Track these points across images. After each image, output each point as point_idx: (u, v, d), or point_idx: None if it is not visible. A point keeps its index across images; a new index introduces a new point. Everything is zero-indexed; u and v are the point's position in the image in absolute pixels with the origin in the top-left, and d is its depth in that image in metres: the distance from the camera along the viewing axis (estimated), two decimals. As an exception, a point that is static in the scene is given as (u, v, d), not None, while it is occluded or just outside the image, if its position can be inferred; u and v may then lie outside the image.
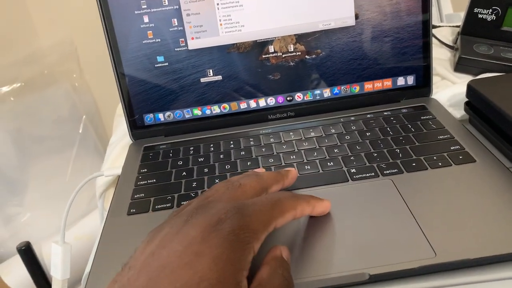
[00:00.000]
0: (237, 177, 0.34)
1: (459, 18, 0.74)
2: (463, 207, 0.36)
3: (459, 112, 0.51)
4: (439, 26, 0.72)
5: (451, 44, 0.66)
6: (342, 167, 0.44)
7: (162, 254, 0.26)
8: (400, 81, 0.55)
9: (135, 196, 0.44)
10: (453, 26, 0.71)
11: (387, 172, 0.42)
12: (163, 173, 0.47)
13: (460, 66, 0.59)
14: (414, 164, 0.43)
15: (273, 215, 0.30)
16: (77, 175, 1.05)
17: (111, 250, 0.38)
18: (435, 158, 0.43)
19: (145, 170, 0.48)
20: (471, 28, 0.62)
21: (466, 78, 0.57)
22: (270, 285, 0.27)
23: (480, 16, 0.61)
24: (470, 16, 0.61)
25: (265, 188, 0.34)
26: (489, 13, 0.60)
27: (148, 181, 0.46)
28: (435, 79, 0.55)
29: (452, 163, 0.42)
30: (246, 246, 0.27)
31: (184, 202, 0.42)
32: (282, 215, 0.30)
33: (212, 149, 0.50)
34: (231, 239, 0.26)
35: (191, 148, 0.50)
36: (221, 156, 0.48)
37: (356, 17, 0.52)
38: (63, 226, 0.49)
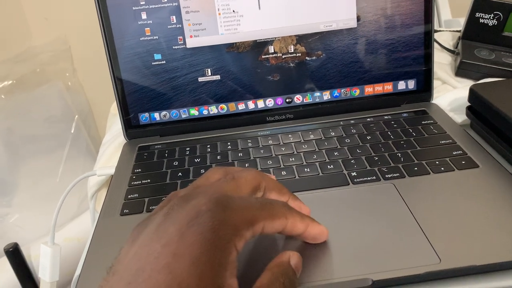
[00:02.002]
0: (236, 168, 0.32)
1: (458, 24, 0.74)
2: (467, 213, 0.35)
3: (460, 117, 0.51)
4: (440, 31, 0.72)
5: (452, 48, 0.65)
6: (342, 170, 0.43)
7: (142, 255, 0.24)
8: (401, 85, 0.54)
9: (129, 196, 0.43)
10: (454, 31, 0.71)
11: (389, 176, 0.41)
12: (158, 174, 0.46)
13: (461, 71, 0.58)
14: (416, 168, 0.42)
15: (261, 215, 0.27)
16: (68, 176, 1.03)
17: (103, 251, 0.36)
18: (437, 163, 0.42)
19: (140, 170, 0.47)
20: (472, 32, 0.62)
21: (467, 83, 0.57)
22: None
23: (481, 20, 0.60)
24: (472, 21, 0.61)
25: (261, 188, 0.31)
26: (491, 18, 0.59)
27: (143, 181, 0.45)
28: (435, 84, 0.54)
29: (454, 168, 0.41)
30: (226, 244, 0.25)
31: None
32: (271, 219, 0.28)
33: (209, 150, 0.49)
34: (209, 236, 0.24)
35: (187, 149, 0.49)
36: (218, 157, 0.47)
37: (358, 19, 0.51)
38: (53, 227, 0.48)
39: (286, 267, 0.28)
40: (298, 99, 0.53)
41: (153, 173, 0.46)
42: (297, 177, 0.43)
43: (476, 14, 0.60)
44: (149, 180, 0.45)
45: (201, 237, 0.24)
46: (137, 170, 0.47)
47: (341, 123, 0.52)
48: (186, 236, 0.24)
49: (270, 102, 0.53)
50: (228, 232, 0.25)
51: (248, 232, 0.26)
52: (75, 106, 1.08)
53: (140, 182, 0.44)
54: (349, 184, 0.41)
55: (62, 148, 1.04)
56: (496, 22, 0.59)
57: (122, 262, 0.25)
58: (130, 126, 0.53)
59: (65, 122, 1.05)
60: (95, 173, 0.49)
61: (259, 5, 0.50)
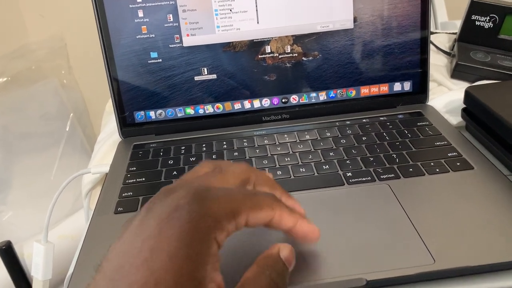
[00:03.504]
0: (226, 162, 0.31)
1: (454, 26, 0.74)
2: (462, 214, 0.36)
3: (455, 119, 0.51)
4: (436, 33, 0.72)
5: (447, 50, 0.66)
6: (337, 171, 0.43)
7: (125, 251, 0.23)
8: (397, 86, 0.54)
9: (123, 194, 0.42)
10: (450, 33, 0.71)
11: (384, 176, 0.41)
12: (153, 172, 0.45)
13: (456, 73, 0.59)
14: (411, 169, 0.42)
15: (244, 205, 0.26)
16: (63, 174, 1.02)
17: (96, 250, 0.36)
18: (432, 164, 0.42)
19: (134, 168, 0.46)
20: (468, 35, 0.62)
21: (463, 85, 0.57)
22: (253, 287, 0.25)
23: (477, 23, 0.61)
24: (468, 23, 0.61)
25: (251, 182, 0.30)
26: (487, 20, 0.60)
27: (137, 179, 0.44)
28: (431, 85, 0.55)
29: (449, 169, 0.41)
30: (206, 237, 0.24)
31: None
32: (255, 210, 0.26)
33: (204, 149, 0.49)
34: (188, 229, 0.23)
35: (183, 148, 0.49)
36: (214, 157, 0.47)
37: (355, 20, 0.51)
38: (46, 225, 0.47)
39: (275, 260, 0.27)
40: (294, 99, 0.53)
41: (148, 171, 0.46)
42: (292, 176, 0.43)
43: (472, 16, 0.61)
44: (143, 179, 0.44)
45: (179, 231, 0.23)
46: (132, 169, 0.46)
47: (337, 123, 0.52)
48: (164, 230, 0.23)
49: (266, 102, 0.53)
50: (208, 224, 0.24)
51: (230, 224, 0.25)
52: (71, 103, 1.07)
53: (134, 180, 0.44)
54: (344, 184, 0.41)
55: (57, 146, 1.03)
56: (492, 24, 0.60)
57: (108, 259, 0.24)
58: (125, 124, 0.52)
59: (60, 120, 1.05)
60: (90, 171, 0.48)
61: (256, 4, 0.50)
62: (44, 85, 1.03)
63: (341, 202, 0.39)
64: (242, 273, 0.26)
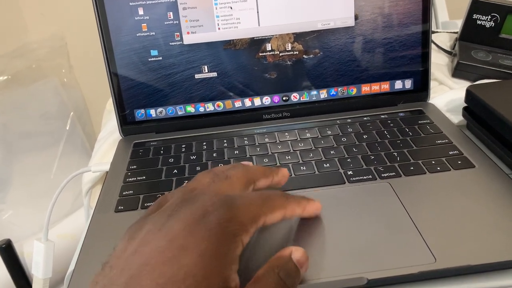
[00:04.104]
0: (223, 168, 0.33)
1: (455, 26, 0.74)
2: (463, 212, 0.35)
3: (456, 117, 0.51)
4: (437, 32, 0.72)
5: (449, 49, 0.65)
6: (338, 169, 0.43)
7: (145, 251, 0.25)
8: (398, 84, 0.54)
9: (124, 193, 0.42)
10: (451, 32, 0.71)
11: (385, 175, 0.41)
12: (154, 170, 0.45)
13: (458, 72, 0.58)
14: (412, 168, 0.42)
15: (262, 210, 0.29)
16: (63, 173, 1.02)
17: (97, 248, 0.36)
18: (433, 162, 0.42)
19: (135, 166, 0.46)
20: (470, 34, 0.62)
21: (464, 84, 0.57)
22: (262, 284, 0.26)
23: (478, 22, 0.60)
24: (469, 22, 0.61)
25: (252, 181, 0.33)
26: (488, 19, 0.60)
27: (138, 178, 0.44)
28: (432, 84, 0.54)
29: (450, 168, 0.41)
30: (234, 239, 0.26)
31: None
32: (271, 212, 0.29)
33: (205, 147, 0.48)
34: (217, 231, 0.25)
35: (183, 146, 0.49)
36: (214, 155, 0.47)
37: (356, 18, 0.51)
38: (46, 223, 0.47)
39: (286, 260, 0.28)
40: (295, 97, 0.53)
41: (148, 170, 0.45)
42: (293, 175, 0.43)
43: (473, 15, 0.61)
44: (144, 177, 0.44)
45: (209, 233, 0.25)
46: (132, 167, 0.46)
47: (338, 121, 0.52)
48: (193, 233, 0.25)
49: (267, 100, 0.53)
50: (235, 227, 0.26)
51: (253, 227, 0.28)
52: (71, 102, 1.07)
53: (135, 178, 0.44)
54: (345, 182, 0.41)
55: (57, 145, 1.03)
56: (493, 24, 0.60)
57: (121, 257, 0.25)
58: (126, 122, 0.52)
59: (61, 119, 1.05)
60: (90, 169, 0.48)
61: (257, 2, 0.50)
62: (44, 84, 1.03)
63: (342, 200, 0.38)
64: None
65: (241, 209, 0.27)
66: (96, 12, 0.48)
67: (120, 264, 0.24)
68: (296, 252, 0.29)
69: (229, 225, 0.26)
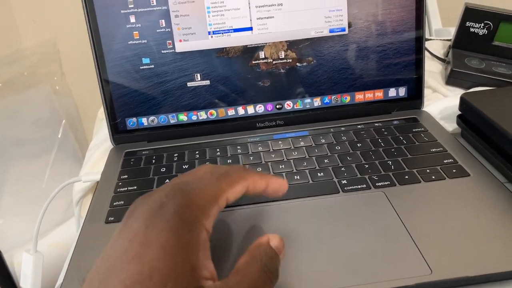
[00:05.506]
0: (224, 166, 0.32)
1: (448, 33, 0.74)
2: (459, 222, 0.35)
3: (450, 125, 0.51)
4: (430, 39, 0.72)
5: (442, 57, 0.65)
6: (332, 178, 0.42)
7: (110, 254, 0.24)
8: (392, 92, 0.54)
9: (114, 203, 0.41)
10: (444, 40, 0.71)
11: (379, 184, 0.41)
12: (145, 180, 0.45)
13: (451, 79, 0.58)
14: (406, 176, 0.41)
15: (221, 188, 0.27)
16: (55, 181, 1.01)
17: (87, 259, 0.35)
18: (428, 171, 0.42)
19: (126, 176, 0.46)
20: (463, 41, 0.62)
21: (458, 91, 0.57)
22: (246, 273, 0.25)
23: (472, 30, 0.60)
24: (462, 30, 0.61)
25: (240, 182, 0.30)
26: (481, 27, 0.60)
27: (129, 188, 0.44)
28: (426, 92, 0.54)
29: (445, 176, 0.41)
30: (194, 225, 0.25)
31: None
32: (231, 187, 0.28)
33: (198, 156, 0.48)
34: (175, 221, 0.24)
35: (175, 155, 0.48)
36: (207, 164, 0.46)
37: (349, 25, 0.51)
38: (35, 234, 0.46)
39: (266, 247, 0.28)
40: (288, 105, 0.53)
41: (140, 179, 0.45)
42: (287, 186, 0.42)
43: (467, 23, 0.61)
44: (135, 187, 0.44)
45: (167, 224, 0.24)
46: (124, 177, 0.46)
47: (332, 130, 0.51)
48: (152, 227, 0.24)
49: (260, 108, 0.53)
50: (194, 213, 0.25)
51: (214, 208, 0.26)
52: (63, 110, 1.06)
53: (126, 189, 0.43)
54: (339, 192, 0.40)
55: (49, 152, 1.02)
56: (486, 31, 0.60)
57: (92, 268, 0.25)
58: (117, 131, 0.51)
59: (53, 126, 1.04)
60: (80, 179, 0.47)
61: (250, 10, 0.49)
62: (36, 91, 1.02)
63: (336, 210, 0.38)
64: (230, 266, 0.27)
65: (197, 193, 0.26)
66: (87, 20, 0.48)
67: (91, 273, 0.24)
68: (273, 239, 0.28)
69: (186, 211, 0.25)
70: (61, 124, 1.05)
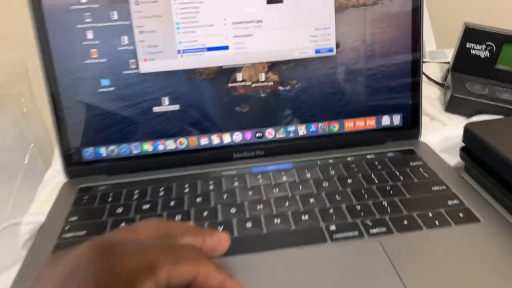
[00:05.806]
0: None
1: (444, 55, 0.69)
2: (468, 279, 0.29)
3: (452, 159, 0.45)
4: (426, 62, 0.67)
5: (440, 81, 0.60)
6: (319, 223, 0.36)
7: None
8: (385, 120, 0.48)
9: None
10: (442, 62, 0.66)
11: (374, 231, 0.34)
12: (96, 224, 0.37)
13: (452, 106, 0.53)
14: (406, 222, 0.35)
15: (162, 258, 0.21)
16: (20, 211, 0.93)
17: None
18: (430, 215, 0.36)
19: (76, 218, 0.39)
20: (463, 64, 0.56)
21: (458, 119, 0.52)
22: None
23: (472, 52, 0.55)
24: (462, 52, 0.56)
25: (167, 235, 0.25)
26: (483, 49, 0.54)
27: (76, 233, 0.36)
28: (423, 120, 0.48)
29: (451, 222, 0.35)
30: None
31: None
32: (177, 264, 0.22)
33: (162, 194, 0.41)
34: None
35: (136, 192, 0.41)
36: (172, 203, 0.39)
37: (337, 46, 0.45)
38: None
39: None
40: (269, 133, 0.47)
41: (91, 222, 0.38)
42: (264, 231, 0.35)
43: (467, 44, 0.55)
44: (84, 232, 0.36)
45: None
46: (72, 218, 0.38)
47: (319, 162, 0.45)
48: None
49: (237, 137, 0.46)
50: (119, 285, 0.19)
51: (148, 281, 0.20)
52: (31, 134, 0.98)
53: (72, 235, 0.36)
54: (327, 241, 0.34)
55: (14, 180, 0.94)
56: (488, 53, 0.54)
57: None
58: (72, 163, 0.45)
59: (19, 152, 0.96)
60: (21, 221, 0.40)
61: (225, 26, 0.43)
62: (2, 114, 0.95)
63: (323, 264, 0.31)
64: None
65: (127, 257, 0.21)
66: (36, 35, 0.42)
67: None
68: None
69: (109, 282, 0.19)
70: (28, 150, 0.97)
